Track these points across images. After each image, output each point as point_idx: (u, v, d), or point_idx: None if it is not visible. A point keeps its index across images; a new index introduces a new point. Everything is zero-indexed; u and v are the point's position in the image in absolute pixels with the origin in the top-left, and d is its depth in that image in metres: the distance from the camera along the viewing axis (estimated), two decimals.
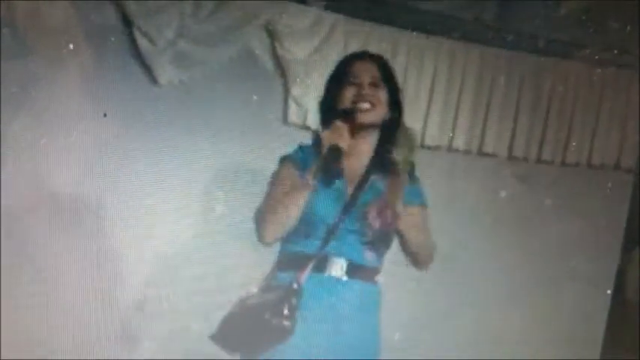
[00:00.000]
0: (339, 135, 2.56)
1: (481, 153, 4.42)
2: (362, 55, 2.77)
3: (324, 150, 2.53)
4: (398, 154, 2.65)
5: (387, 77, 2.71)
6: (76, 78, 3.63)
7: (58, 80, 3.61)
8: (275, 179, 2.63)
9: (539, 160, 4.55)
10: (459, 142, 4.36)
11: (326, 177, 2.56)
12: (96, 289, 3.68)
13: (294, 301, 2.48)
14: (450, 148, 4.34)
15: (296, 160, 2.64)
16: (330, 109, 2.67)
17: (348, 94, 2.64)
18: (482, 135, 4.41)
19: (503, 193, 4.37)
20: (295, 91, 3.96)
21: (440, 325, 4.28)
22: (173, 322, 3.83)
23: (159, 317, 3.82)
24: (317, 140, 2.65)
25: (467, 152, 4.40)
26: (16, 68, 3.53)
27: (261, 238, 2.57)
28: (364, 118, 2.62)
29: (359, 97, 2.63)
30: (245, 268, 3.64)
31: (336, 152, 2.54)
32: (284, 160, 2.67)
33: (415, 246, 2.65)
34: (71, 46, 3.59)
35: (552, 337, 4.51)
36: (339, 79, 2.70)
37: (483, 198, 4.37)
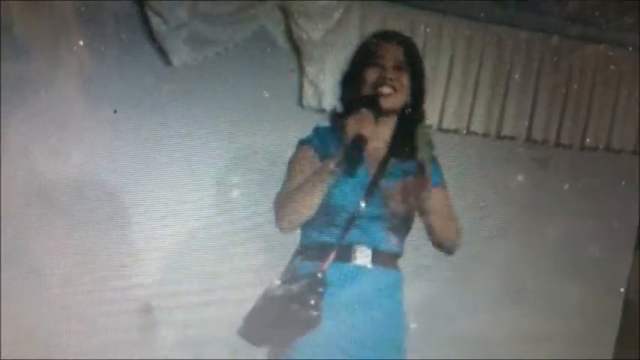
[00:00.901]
0: (363, 123, 2.49)
1: (499, 136, 4.37)
2: (388, 36, 2.70)
3: (349, 138, 2.48)
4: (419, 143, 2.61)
5: (412, 61, 2.64)
6: (84, 73, 3.59)
7: (65, 76, 3.57)
8: (294, 164, 2.59)
9: (557, 144, 4.49)
10: (477, 125, 4.30)
11: (349, 167, 2.49)
12: (100, 289, 3.66)
13: (320, 290, 2.46)
14: (468, 131, 4.29)
15: (314, 143, 2.60)
16: (351, 89, 2.63)
17: (371, 76, 2.58)
18: (501, 118, 4.35)
19: (521, 177, 4.32)
20: (311, 72, 3.92)
21: (446, 320, 4.26)
22: (178, 324, 3.81)
23: (166, 318, 3.80)
24: (335, 122, 2.62)
25: (485, 135, 4.34)
26: (21, 67, 3.49)
27: (279, 225, 2.54)
28: (385, 103, 2.58)
29: (381, 81, 2.57)
30: (261, 262, 3.64)
31: (360, 142, 2.48)
32: (302, 143, 2.63)
33: (441, 228, 2.62)
34: (81, 42, 3.55)
35: (564, 335, 4.49)
36: (362, 58, 2.64)
37: (501, 181, 4.33)
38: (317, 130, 2.65)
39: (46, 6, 3.50)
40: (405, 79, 2.60)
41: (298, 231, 2.66)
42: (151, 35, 3.67)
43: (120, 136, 3.63)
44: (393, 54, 2.60)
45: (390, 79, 2.57)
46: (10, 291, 3.45)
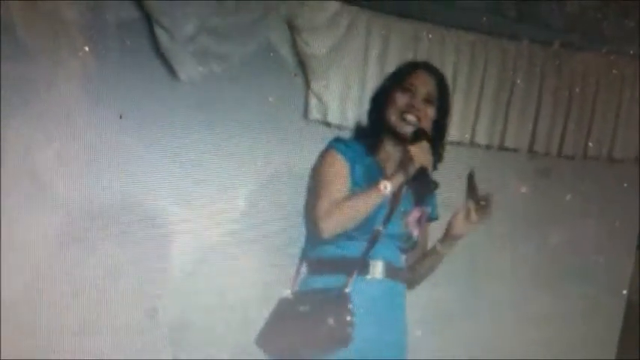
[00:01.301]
0: (426, 155, 2.55)
1: (502, 148, 4.40)
2: (425, 67, 2.74)
3: (412, 167, 2.53)
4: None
5: (442, 98, 2.70)
6: (90, 79, 3.60)
7: (71, 82, 3.59)
8: (329, 173, 2.60)
9: (560, 155, 4.52)
10: (481, 138, 4.33)
11: (420, 197, 2.63)
12: (101, 289, 3.66)
13: (350, 306, 2.49)
14: (471, 144, 4.32)
15: (343, 152, 2.62)
16: (378, 109, 2.68)
17: (400, 101, 2.63)
18: (504, 130, 4.38)
19: (524, 189, 4.35)
20: (316, 86, 3.94)
21: (453, 324, 4.28)
22: (185, 329, 3.83)
23: (170, 324, 3.82)
24: (360, 135, 2.69)
25: (488, 147, 4.37)
26: (23, 69, 3.51)
27: (320, 232, 2.53)
28: (407, 129, 2.62)
29: (409, 108, 2.62)
30: (268, 275, 3.66)
31: (425, 174, 2.55)
32: (330, 150, 2.63)
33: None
34: (87, 48, 3.57)
35: (567, 337, 4.51)
36: (395, 81, 2.68)
37: (505, 193, 4.34)
38: (342, 141, 2.68)
39: (50, 7, 3.50)
40: (431, 113, 2.65)
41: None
42: (158, 50, 3.70)
43: (124, 141, 3.64)
44: (426, 85, 2.65)
45: (418, 109, 2.62)
46: (10, 291, 3.45)
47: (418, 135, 2.59)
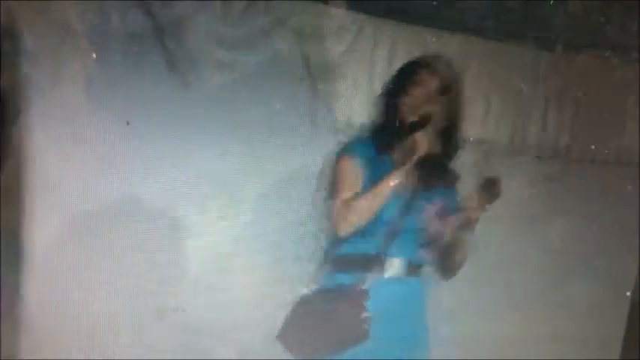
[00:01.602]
0: (430, 140, 2.63)
1: (508, 151, 4.43)
2: (432, 61, 2.82)
3: (418, 153, 2.58)
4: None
5: (449, 93, 2.76)
6: (95, 81, 3.62)
7: (75, 83, 3.60)
8: (342, 175, 2.67)
9: (567, 159, 4.53)
10: (486, 141, 4.35)
11: (433, 187, 2.68)
12: (105, 289, 3.68)
13: (367, 303, 2.53)
14: (477, 148, 4.32)
15: (355, 153, 2.66)
16: (386, 110, 2.74)
17: (411, 97, 2.70)
18: (510, 133, 4.41)
19: (528, 190, 4.37)
20: (323, 94, 3.95)
21: (456, 324, 4.29)
22: (189, 330, 3.85)
23: (175, 325, 3.83)
24: (374, 137, 2.73)
25: (494, 151, 4.37)
26: (35, 74, 3.53)
27: (339, 232, 2.60)
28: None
29: (420, 103, 2.71)
30: (275, 276, 3.67)
31: (434, 159, 2.64)
32: (344, 154, 2.71)
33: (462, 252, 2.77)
34: (93, 51, 3.59)
35: (571, 337, 4.53)
36: (405, 78, 2.74)
37: (509, 195, 4.36)
38: (354, 142, 2.77)
39: (53, 9, 3.50)
40: (442, 106, 2.74)
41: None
42: (167, 59, 3.73)
43: (130, 144, 3.65)
44: (435, 80, 2.72)
45: (429, 104, 2.71)
46: (10, 290, 3.46)
47: (421, 121, 2.61)
